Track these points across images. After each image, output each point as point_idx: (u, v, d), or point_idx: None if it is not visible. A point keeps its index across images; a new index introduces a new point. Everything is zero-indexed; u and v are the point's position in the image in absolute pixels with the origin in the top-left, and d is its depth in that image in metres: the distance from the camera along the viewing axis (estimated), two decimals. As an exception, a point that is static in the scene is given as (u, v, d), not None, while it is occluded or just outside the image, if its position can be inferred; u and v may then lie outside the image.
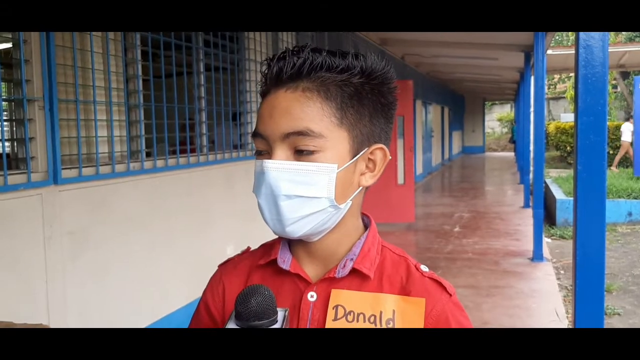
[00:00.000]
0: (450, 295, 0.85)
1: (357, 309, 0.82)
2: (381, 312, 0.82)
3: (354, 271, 0.84)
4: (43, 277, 2.73)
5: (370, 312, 0.82)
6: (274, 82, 0.82)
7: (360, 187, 0.85)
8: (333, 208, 0.81)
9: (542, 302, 4.61)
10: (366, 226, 0.91)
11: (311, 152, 0.79)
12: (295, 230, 0.81)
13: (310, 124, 0.78)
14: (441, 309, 0.83)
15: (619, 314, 4.55)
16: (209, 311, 0.92)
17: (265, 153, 0.82)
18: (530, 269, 5.54)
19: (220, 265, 0.97)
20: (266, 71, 0.83)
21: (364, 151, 0.84)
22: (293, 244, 0.88)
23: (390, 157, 0.87)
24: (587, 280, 2.00)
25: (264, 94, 0.84)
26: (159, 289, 3.57)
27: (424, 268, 0.87)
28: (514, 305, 4.53)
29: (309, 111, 0.79)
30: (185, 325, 0.99)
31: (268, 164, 0.79)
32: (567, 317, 4.23)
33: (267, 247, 0.92)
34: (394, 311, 0.82)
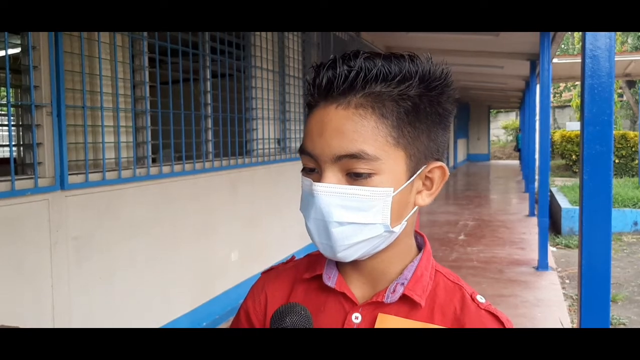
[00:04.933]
0: None
1: None
2: None
3: (404, 297, 0.78)
4: (49, 281, 2.74)
5: None
6: (323, 95, 0.74)
7: (416, 207, 0.79)
8: (388, 233, 0.75)
9: (547, 311, 4.58)
10: (419, 246, 0.84)
11: (365, 176, 0.72)
12: (348, 255, 0.76)
13: (364, 146, 0.71)
14: None
15: (624, 324, 4.53)
16: (249, 318, 0.89)
17: (314, 171, 0.76)
18: (535, 278, 5.51)
19: (264, 273, 0.93)
20: (313, 81, 0.75)
21: (421, 170, 0.77)
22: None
23: (448, 174, 0.80)
24: (593, 290, 1.99)
25: (311, 106, 0.77)
26: (163, 295, 3.58)
27: (480, 299, 0.80)
28: (519, 314, 4.50)
29: (362, 131, 0.71)
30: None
31: (318, 187, 0.73)
32: (572, 326, 4.21)
33: (313, 260, 0.87)
34: None
